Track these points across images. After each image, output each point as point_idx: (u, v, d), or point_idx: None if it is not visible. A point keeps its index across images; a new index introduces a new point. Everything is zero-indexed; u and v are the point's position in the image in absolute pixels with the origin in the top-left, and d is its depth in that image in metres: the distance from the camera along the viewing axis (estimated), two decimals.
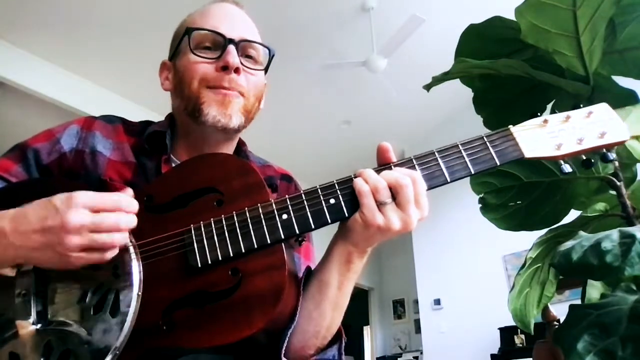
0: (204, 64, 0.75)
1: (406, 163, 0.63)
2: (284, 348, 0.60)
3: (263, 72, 0.83)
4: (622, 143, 0.64)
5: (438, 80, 1.04)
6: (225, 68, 0.74)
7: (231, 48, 0.75)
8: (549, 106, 1.03)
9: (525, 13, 0.90)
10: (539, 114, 0.67)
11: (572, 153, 0.64)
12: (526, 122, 0.66)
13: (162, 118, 0.86)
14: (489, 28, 1.03)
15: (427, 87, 1.09)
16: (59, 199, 0.55)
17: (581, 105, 0.67)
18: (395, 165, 0.62)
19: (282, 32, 4.03)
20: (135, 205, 0.59)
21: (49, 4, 3.58)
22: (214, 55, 0.76)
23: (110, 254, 0.56)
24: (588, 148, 0.64)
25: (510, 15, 0.94)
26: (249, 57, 0.80)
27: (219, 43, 0.76)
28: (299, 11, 3.93)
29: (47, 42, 3.94)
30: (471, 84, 1.11)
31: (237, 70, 0.75)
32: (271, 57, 0.82)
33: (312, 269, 0.72)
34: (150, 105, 4.55)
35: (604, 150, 0.64)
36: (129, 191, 0.62)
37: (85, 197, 0.55)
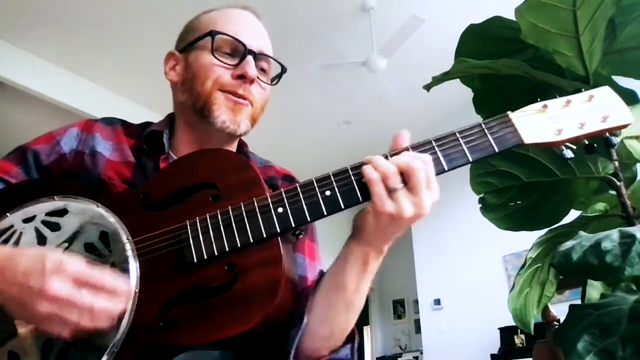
0: (221, 68, 0.76)
1: (402, 152, 0.62)
2: (292, 351, 0.59)
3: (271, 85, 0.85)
4: (625, 126, 0.62)
5: (438, 80, 1.04)
6: (242, 77, 0.76)
7: (250, 59, 0.77)
8: None
9: (525, 13, 0.90)
10: (538, 99, 0.65)
11: (574, 138, 0.62)
12: (525, 107, 0.65)
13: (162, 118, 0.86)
14: (489, 28, 1.03)
15: (427, 87, 1.09)
16: (52, 260, 0.53)
17: (582, 90, 0.65)
18: (390, 155, 0.61)
19: (282, 32, 4.02)
20: (123, 292, 0.55)
21: (49, 4, 3.58)
22: (232, 61, 0.77)
23: (67, 333, 0.52)
24: (590, 132, 0.61)
25: (510, 15, 0.94)
26: (262, 70, 0.81)
27: (239, 51, 0.77)
28: (298, 11, 3.93)
29: (47, 42, 3.94)
30: (471, 84, 1.11)
31: (252, 81, 0.77)
32: (282, 73, 0.84)
33: (321, 270, 0.72)
34: (151, 105, 4.55)
35: (607, 134, 0.62)
36: (124, 279, 0.57)
37: (76, 267, 0.53)
